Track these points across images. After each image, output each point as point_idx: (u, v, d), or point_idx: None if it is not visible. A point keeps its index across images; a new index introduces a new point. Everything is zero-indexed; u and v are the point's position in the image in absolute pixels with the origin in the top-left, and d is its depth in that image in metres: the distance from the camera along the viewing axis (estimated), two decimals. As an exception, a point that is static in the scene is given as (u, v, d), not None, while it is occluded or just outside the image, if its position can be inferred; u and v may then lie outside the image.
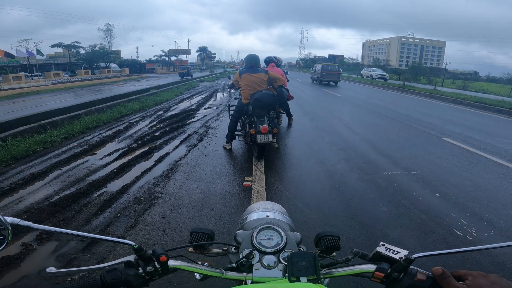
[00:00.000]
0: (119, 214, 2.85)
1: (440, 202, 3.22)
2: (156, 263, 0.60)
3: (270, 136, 4.10)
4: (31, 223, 0.54)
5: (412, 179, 3.83)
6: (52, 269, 0.55)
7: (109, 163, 4.29)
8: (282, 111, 6.89)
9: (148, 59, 66.33)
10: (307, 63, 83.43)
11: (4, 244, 0.55)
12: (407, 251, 0.59)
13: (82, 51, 41.74)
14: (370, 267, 0.61)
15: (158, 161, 4.39)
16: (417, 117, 8.53)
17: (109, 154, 4.72)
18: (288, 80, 7.29)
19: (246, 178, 3.74)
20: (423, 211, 3.00)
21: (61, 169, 4.06)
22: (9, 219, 0.53)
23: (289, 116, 7.18)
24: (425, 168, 4.25)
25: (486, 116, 9.70)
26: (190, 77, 28.97)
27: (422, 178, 3.87)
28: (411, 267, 0.58)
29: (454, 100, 13.14)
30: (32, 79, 25.42)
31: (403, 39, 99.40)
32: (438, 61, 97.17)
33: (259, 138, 4.08)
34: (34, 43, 32.42)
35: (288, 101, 6.66)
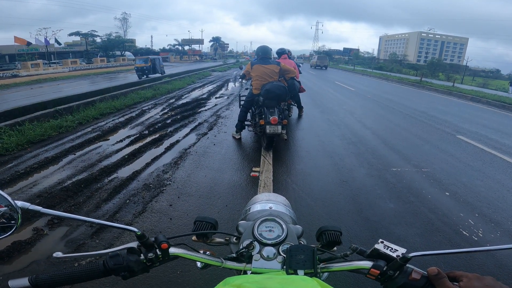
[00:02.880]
0: (128, 201, 2.92)
1: (449, 201, 3.16)
2: (157, 250, 0.61)
3: (279, 127, 4.09)
4: (41, 207, 0.55)
5: (422, 176, 3.76)
6: (58, 254, 0.57)
7: (120, 149, 4.39)
8: (293, 103, 6.85)
9: (162, 48, 66.90)
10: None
11: (14, 229, 0.55)
12: (405, 250, 0.59)
13: (98, 40, 42.44)
14: (367, 264, 0.60)
15: (168, 149, 4.46)
16: (433, 114, 8.31)
17: (121, 140, 4.81)
18: (300, 73, 7.21)
19: (253, 169, 3.76)
20: (431, 209, 2.96)
21: (74, 154, 4.17)
22: (19, 203, 0.54)
23: (300, 108, 7.15)
24: (436, 166, 4.17)
25: (504, 115, 9.36)
26: (159, 75, 16.85)
27: (432, 176, 3.80)
28: (407, 265, 0.57)
29: (473, 98, 12.73)
30: (50, 66, 26.02)
31: (423, 34, 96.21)
32: (459, 57, 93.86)
33: (268, 129, 4.08)
34: (53, 31, 33.23)
35: (299, 94, 6.60)
